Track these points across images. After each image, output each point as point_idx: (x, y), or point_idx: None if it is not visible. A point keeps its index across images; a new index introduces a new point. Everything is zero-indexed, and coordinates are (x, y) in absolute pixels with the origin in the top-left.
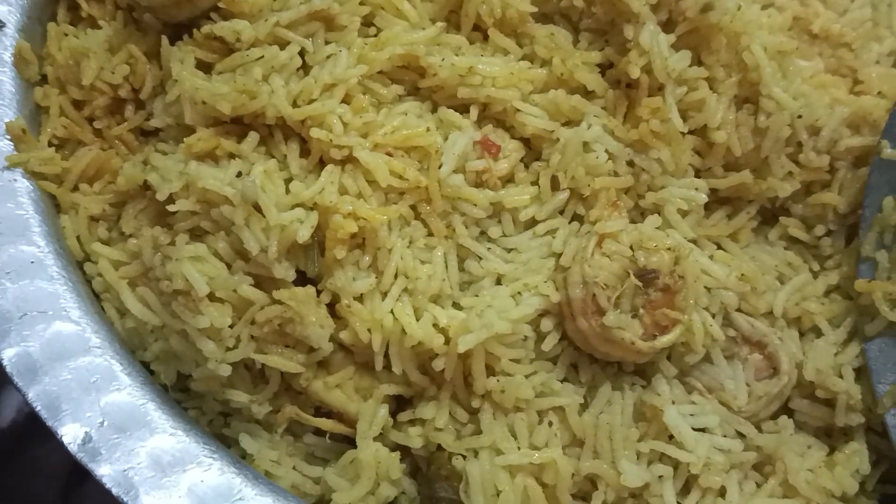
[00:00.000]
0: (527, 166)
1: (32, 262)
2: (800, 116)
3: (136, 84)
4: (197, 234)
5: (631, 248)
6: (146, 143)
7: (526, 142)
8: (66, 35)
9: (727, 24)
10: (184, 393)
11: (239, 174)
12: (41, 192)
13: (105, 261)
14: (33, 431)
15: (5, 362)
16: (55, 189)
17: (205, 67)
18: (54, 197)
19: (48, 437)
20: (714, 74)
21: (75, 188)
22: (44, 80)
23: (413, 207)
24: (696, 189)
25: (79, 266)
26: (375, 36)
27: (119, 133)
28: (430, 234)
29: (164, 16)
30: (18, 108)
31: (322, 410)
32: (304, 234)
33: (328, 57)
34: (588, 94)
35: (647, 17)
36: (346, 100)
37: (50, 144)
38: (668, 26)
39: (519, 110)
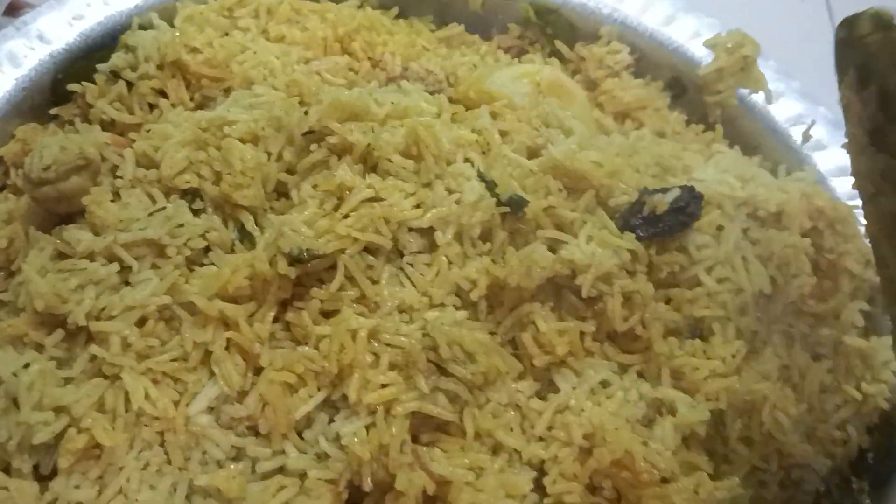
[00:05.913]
0: None
1: None
2: None
3: (12, 256)
4: None
5: None
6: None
7: None
8: None
9: None
10: None
11: (26, 365)
12: None
13: None
14: None
15: None
16: None
17: (64, 256)
18: None
19: None
20: None
21: None
22: None
23: (161, 434)
24: None
25: None
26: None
27: None
28: (168, 463)
29: (47, 207)
30: None
31: None
32: (39, 438)
33: (143, 281)
34: None
35: None
36: (140, 322)
37: None
38: None
39: None
